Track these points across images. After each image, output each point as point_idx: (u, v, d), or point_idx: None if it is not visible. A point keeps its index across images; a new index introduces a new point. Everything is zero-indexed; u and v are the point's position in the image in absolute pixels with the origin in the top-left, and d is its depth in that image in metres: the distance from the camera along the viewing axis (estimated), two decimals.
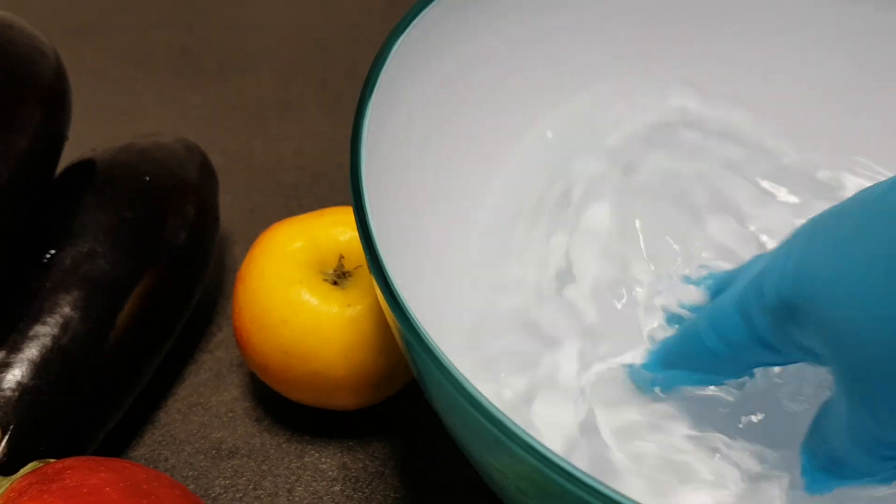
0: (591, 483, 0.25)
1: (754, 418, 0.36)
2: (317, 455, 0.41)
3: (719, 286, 0.37)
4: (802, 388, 0.36)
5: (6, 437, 0.36)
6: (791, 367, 0.35)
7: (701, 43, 0.44)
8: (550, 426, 0.35)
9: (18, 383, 0.37)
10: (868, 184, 0.33)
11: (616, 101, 0.44)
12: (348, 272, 0.41)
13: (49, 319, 0.38)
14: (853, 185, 0.42)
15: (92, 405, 0.39)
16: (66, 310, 0.39)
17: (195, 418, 0.43)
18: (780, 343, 0.32)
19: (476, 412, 0.27)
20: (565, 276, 0.40)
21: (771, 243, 0.40)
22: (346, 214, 0.42)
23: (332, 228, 0.41)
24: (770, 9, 0.44)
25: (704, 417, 0.36)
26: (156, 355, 0.42)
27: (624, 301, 0.39)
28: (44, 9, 0.64)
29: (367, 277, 0.40)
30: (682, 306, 0.38)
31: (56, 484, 0.30)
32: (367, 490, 0.40)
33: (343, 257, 0.41)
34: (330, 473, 0.41)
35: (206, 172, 0.46)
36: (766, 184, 0.43)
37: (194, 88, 0.59)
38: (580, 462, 0.34)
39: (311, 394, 0.41)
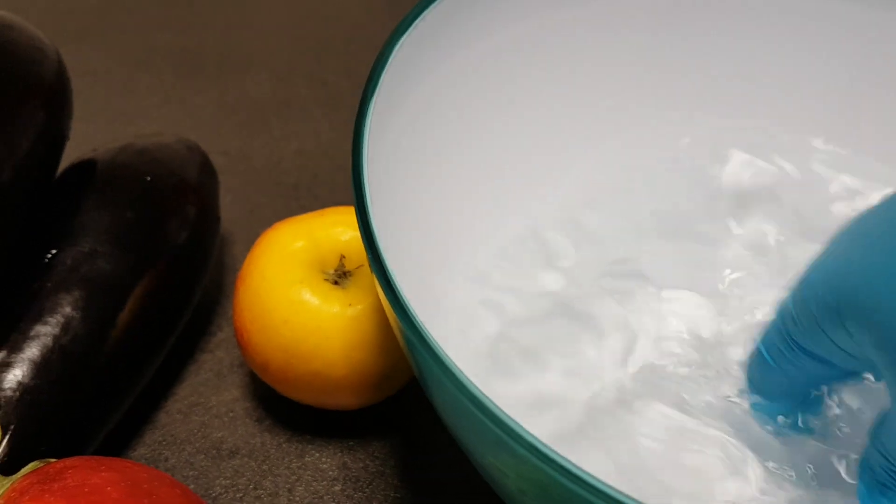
0: (594, 483, 0.25)
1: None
2: (317, 455, 0.41)
3: None
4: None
5: (7, 436, 0.36)
6: None
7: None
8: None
9: (19, 383, 0.37)
10: None
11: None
12: (349, 272, 0.41)
13: (50, 319, 0.38)
14: None
15: (92, 405, 0.39)
16: (67, 310, 0.39)
17: (196, 418, 0.43)
18: (827, 351, 0.31)
19: (478, 411, 0.27)
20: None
21: None
22: (346, 214, 0.42)
23: (333, 228, 0.41)
24: None
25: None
26: (156, 355, 0.42)
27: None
28: (46, 9, 0.64)
29: (367, 277, 0.40)
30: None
31: (57, 483, 0.30)
32: (367, 490, 0.40)
33: (344, 257, 0.41)
34: (330, 473, 0.41)
35: (207, 172, 0.46)
36: None
37: (195, 89, 0.59)
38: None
39: (311, 393, 0.41)
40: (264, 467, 0.41)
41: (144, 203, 0.42)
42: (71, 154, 0.44)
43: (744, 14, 0.44)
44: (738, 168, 0.44)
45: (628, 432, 0.36)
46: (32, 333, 0.38)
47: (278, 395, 0.42)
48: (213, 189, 0.46)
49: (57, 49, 0.42)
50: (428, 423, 0.39)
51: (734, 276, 0.40)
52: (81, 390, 0.38)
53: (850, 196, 0.43)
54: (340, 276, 0.41)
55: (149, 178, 0.43)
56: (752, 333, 0.36)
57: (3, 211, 0.38)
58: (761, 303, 0.38)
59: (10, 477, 0.32)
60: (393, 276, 0.30)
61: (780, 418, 0.35)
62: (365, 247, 0.31)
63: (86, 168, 0.43)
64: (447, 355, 0.28)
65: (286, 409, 0.42)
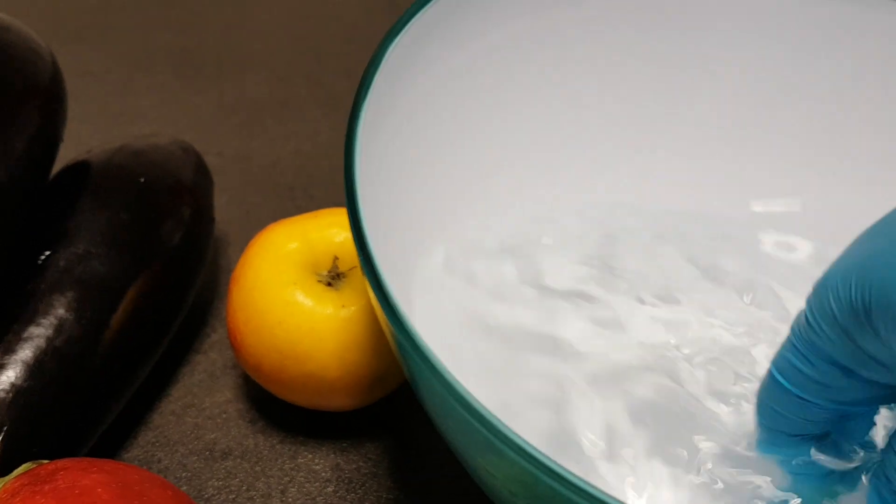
0: (581, 485, 0.25)
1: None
2: (310, 456, 0.41)
3: None
4: None
5: None
6: None
7: None
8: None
9: (12, 385, 0.37)
10: None
11: None
12: (343, 273, 0.41)
13: (43, 321, 0.38)
14: None
15: (86, 406, 0.39)
16: (61, 311, 0.39)
17: (189, 419, 0.43)
18: (852, 359, 0.29)
19: (467, 414, 0.27)
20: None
21: None
22: (340, 216, 0.42)
23: (327, 230, 0.41)
24: None
25: None
26: (150, 356, 0.42)
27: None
28: (42, 11, 0.64)
29: (361, 279, 0.40)
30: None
31: (48, 485, 0.30)
32: (360, 491, 0.40)
33: (338, 258, 0.41)
34: (323, 474, 0.41)
35: (202, 174, 0.46)
36: None
37: (192, 89, 0.59)
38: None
39: (304, 395, 0.41)
40: (257, 469, 0.41)
41: (139, 204, 0.42)
42: (69, 154, 0.44)
43: (739, 10, 0.44)
44: None
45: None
46: (26, 335, 0.38)
47: (271, 397, 0.42)
48: (207, 190, 0.46)
49: (52, 51, 0.42)
50: (421, 424, 0.40)
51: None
52: (75, 392, 0.38)
53: None
54: (334, 278, 0.41)
55: (143, 180, 0.43)
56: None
57: None
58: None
59: (1, 478, 0.32)
60: (384, 279, 0.30)
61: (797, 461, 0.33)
62: (357, 249, 0.31)
63: (80, 169, 0.43)
64: (438, 359, 0.28)
65: (279, 410, 0.43)
